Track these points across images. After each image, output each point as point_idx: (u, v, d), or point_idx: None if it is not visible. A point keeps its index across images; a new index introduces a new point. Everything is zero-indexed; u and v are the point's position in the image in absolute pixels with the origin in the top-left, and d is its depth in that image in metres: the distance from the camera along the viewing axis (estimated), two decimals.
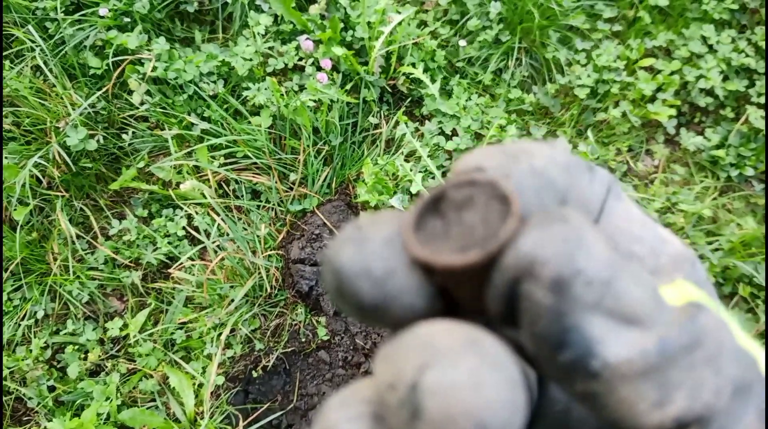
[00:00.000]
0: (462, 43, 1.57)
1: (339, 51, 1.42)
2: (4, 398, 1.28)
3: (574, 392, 0.16)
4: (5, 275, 1.35)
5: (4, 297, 1.34)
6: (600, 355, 0.15)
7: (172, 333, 1.32)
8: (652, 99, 1.53)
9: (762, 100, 1.51)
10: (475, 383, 0.14)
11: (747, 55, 1.55)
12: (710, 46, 1.58)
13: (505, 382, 0.15)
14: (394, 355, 0.15)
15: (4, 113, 1.40)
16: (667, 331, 0.15)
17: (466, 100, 1.51)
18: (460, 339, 0.15)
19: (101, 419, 1.22)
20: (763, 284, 1.31)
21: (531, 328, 0.16)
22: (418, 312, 0.17)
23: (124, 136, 1.45)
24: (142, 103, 1.43)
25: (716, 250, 1.37)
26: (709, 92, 1.56)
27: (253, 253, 1.35)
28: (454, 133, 1.49)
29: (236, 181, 1.43)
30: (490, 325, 0.18)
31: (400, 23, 1.48)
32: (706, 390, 0.15)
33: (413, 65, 1.50)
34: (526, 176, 0.18)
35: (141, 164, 1.44)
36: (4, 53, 1.47)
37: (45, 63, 1.44)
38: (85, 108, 1.41)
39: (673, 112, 1.50)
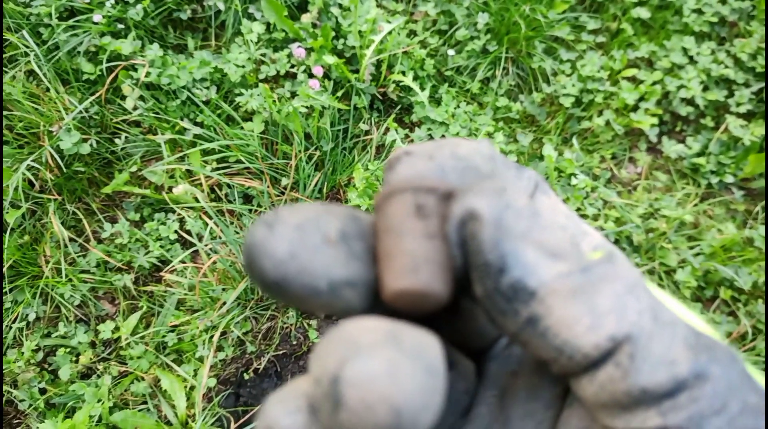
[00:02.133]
0: (450, 52, 1.61)
1: (330, 59, 1.45)
2: None
3: (518, 323, 0.17)
4: None
5: None
6: (535, 274, 0.17)
7: (164, 336, 1.33)
8: (635, 108, 1.57)
9: (741, 109, 1.56)
10: (391, 373, 0.15)
11: (726, 66, 1.60)
12: (691, 58, 1.63)
13: (422, 371, 0.15)
14: (322, 352, 0.16)
15: None
16: (588, 262, 0.18)
17: (455, 108, 1.55)
18: (380, 333, 0.16)
19: (93, 421, 1.23)
20: (744, 288, 1.35)
21: (478, 262, 0.18)
22: (321, 293, 0.18)
23: (116, 140, 1.47)
24: (135, 108, 1.45)
25: (698, 254, 1.41)
26: (690, 102, 1.60)
27: None
28: None
29: (228, 186, 1.44)
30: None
31: (390, 32, 1.51)
32: (630, 311, 0.17)
33: (403, 73, 1.53)
34: (448, 159, 0.21)
35: (134, 168, 1.45)
36: None
37: (39, 68, 1.46)
38: (79, 112, 1.42)
39: (655, 120, 1.54)
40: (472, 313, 0.23)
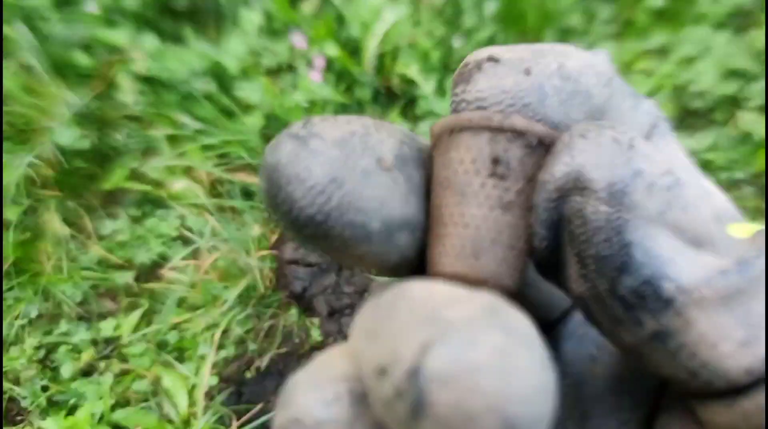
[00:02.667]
0: (457, 43, 1.57)
1: (332, 51, 1.41)
2: None
3: (639, 336, 0.13)
4: None
5: None
6: (674, 274, 0.12)
7: (165, 334, 1.32)
8: None
9: (753, 103, 1.51)
10: (502, 367, 0.11)
11: (741, 58, 1.55)
12: (706, 48, 1.58)
13: (537, 364, 0.11)
14: (382, 326, 0.12)
15: None
16: (745, 253, 0.13)
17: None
18: (476, 306, 0.12)
19: (95, 419, 1.23)
20: None
21: (584, 253, 0.13)
22: (372, 236, 0.14)
23: (116, 135, 1.45)
24: (133, 102, 1.42)
25: None
26: (702, 95, 1.56)
27: (247, 253, 1.36)
28: None
29: (229, 182, 1.42)
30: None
31: (394, 22, 1.47)
32: None
33: (407, 65, 1.50)
34: (552, 77, 0.14)
35: (133, 164, 1.43)
36: None
37: (34, 60, 1.43)
38: (77, 107, 1.40)
39: (668, 113, 1.50)
40: (538, 280, 0.17)
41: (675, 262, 0.12)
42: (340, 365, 0.14)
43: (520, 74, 0.14)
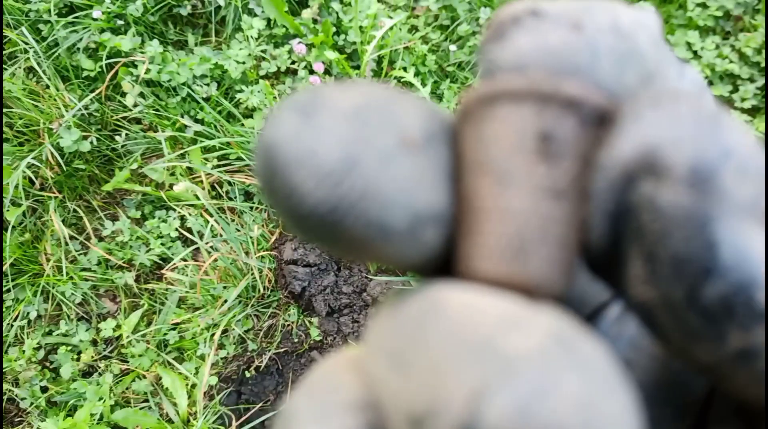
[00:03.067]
0: (452, 47, 1.60)
1: (331, 55, 1.44)
2: None
3: (721, 353, 0.10)
4: None
5: None
6: None
7: (165, 333, 1.32)
8: None
9: (746, 105, 1.54)
10: (586, 421, 0.08)
11: (731, 61, 1.59)
12: (695, 52, 1.62)
13: (626, 414, 0.09)
14: (413, 353, 0.09)
15: None
16: None
17: (456, 104, 1.54)
18: (541, 332, 0.09)
19: (94, 419, 1.23)
20: None
21: (656, 253, 0.10)
22: (394, 235, 0.11)
23: (117, 137, 1.46)
24: (135, 105, 1.44)
25: None
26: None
27: (246, 254, 1.36)
28: None
29: (229, 183, 1.44)
30: None
31: (391, 28, 1.50)
32: None
33: (404, 69, 1.52)
34: (606, 34, 0.12)
35: (134, 166, 1.45)
36: None
37: (38, 64, 1.45)
38: (79, 109, 1.41)
39: None
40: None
41: None
42: (349, 387, 0.11)
43: (568, 30, 0.12)
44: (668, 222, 0.10)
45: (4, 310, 1.35)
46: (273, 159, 0.11)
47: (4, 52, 1.48)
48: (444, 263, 0.12)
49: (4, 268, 1.34)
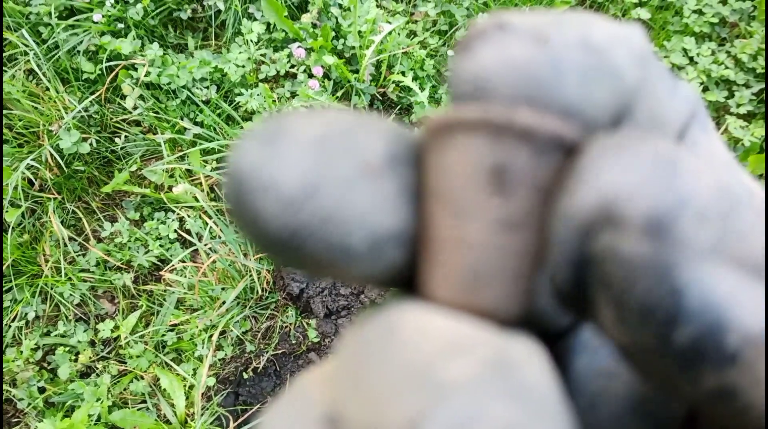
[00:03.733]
0: (451, 53, 1.61)
1: (330, 59, 1.45)
2: None
3: (698, 392, 0.10)
4: None
5: None
6: (737, 324, 0.10)
7: (163, 335, 1.33)
8: None
9: (742, 110, 1.56)
10: None
11: (726, 67, 1.60)
12: (691, 59, 1.63)
13: None
14: (366, 376, 0.10)
15: None
16: None
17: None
18: (480, 358, 0.10)
19: (92, 420, 1.23)
20: None
21: (621, 304, 0.10)
22: (355, 255, 0.11)
23: (116, 139, 1.47)
24: (135, 108, 1.45)
25: None
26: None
27: (245, 255, 1.37)
28: None
29: None
30: None
31: (390, 33, 1.51)
32: None
33: (403, 74, 1.53)
34: (573, 48, 0.11)
35: (133, 168, 1.45)
36: None
37: (38, 67, 1.46)
38: (79, 111, 1.42)
39: None
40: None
41: (739, 305, 0.10)
42: (320, 400, 0.11)
43: (532, 44, 0.11)
44: (631, 272, 0.10)
45: (3, 311, 1.35)
46: (238, 186, 0.11)
47: (4, 55, 1.49)
48: (411, 276, 0.13)
49: (3, 269, 1.34)
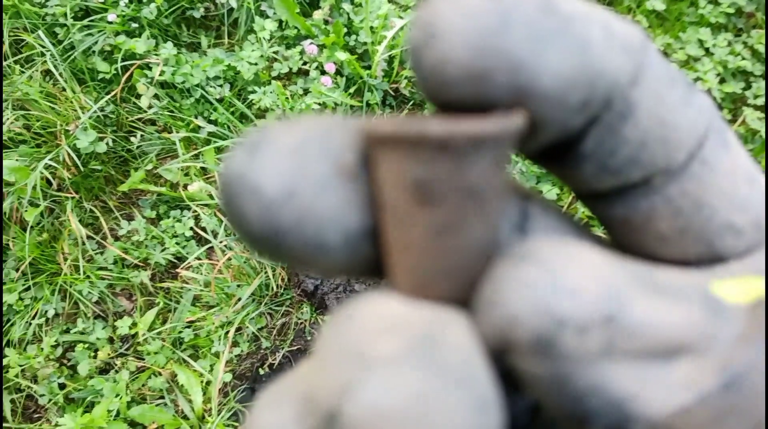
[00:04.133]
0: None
1: (342, 55, 1.45)
2: (15, 395, 1.31)
3: None
4: (16, 275, 1.37)
5: (16, 296, 1.37)
6: (640, 413, 0.11)
7: (180, 331, 1.34)
8: None
9: (759, 101, 1.54)
10: (421, 414, 0.10)
11: (743, 58, 1.58)
12: (707, 50, 1.61)
13: (469, 407, 0.10)
14: (322, 354, 0.11)
15: (15, 117, 1.43)
16: (732, 353, 0.11)
17: None
18: (407, 337, 0.11)
19: (111, 415, 1.25)
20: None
21: (548, 407, 0.12)
22: (330, 251, 0.12)
23: (132, 138, 1.48)
24: (150, 107, 1.46)
25: None
26: (707, 94, 1.58)
27: None
28: None
29: None
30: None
31: (402, 28, 1.51)
32: None
33: None
34: (527, 5, 0.11)
35: (149, 166, 1.47)
36: (15, 58, 1.50)
37: (55, 67, 1.48)
38: (95, 111, 1.44)
39: None
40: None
41: (640, 395, 0.11)
42: (303, 385, 0.13)
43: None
44: (536, 389, 0.11)
45: (23, 309, 1.37)
46: (227, 190, 0.12)
47: (21, 56, 1.51)
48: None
49: (22, 268, 1.36)
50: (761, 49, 1.58)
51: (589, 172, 0.13)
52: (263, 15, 1.58)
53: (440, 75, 0.11)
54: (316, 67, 1.50)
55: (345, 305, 0.12)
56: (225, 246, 1.39)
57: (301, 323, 1.37)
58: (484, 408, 0.10)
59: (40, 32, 1.48)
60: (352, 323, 0.11)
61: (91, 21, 1.49)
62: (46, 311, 1.37)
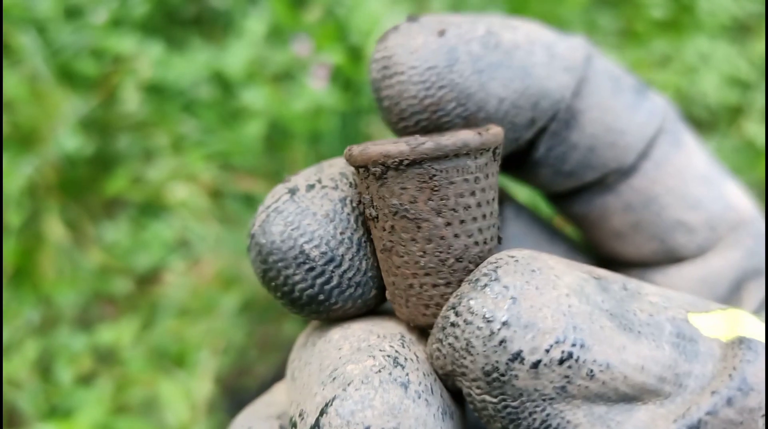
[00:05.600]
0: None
1: (335, 58, 1.42)
2: None
3: None
4: None
5: None
6: None
7: (165, 340, 1.32)
8: None
9: (756, 111, 1.52)
10: (393, 425, 0.11)
11: (741, 68, 1.56)
12: (705, 58, 1.59)
13: (431, 418, 0.11)
14: (300, 372, 0.13)
15: None
16: (698, 399, 0.11)
17: None
18: (379, 357, 0.12)
19: (93, 425, 1.23)
20: None
21: None
22: (364, 301, 0.14)
23: (117, 141, 1.45)
24: (135, 108, 1.43)
25: None
26: (704, 104, 1.57)
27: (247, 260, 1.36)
28: None
29: (231, 188, 1.43)
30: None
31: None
32: None
33: None
34: (470, 42, 0.12)
35: (134, 169, 1.44)
36: None
37: (39, 67, 1.44)
38: (79, 112, 1.41)
39: None
40: None
41: None
42: (279, 402, 0.14)
43: (433, 34, 0.13)
44: (485, 416, 0.11)
45: (3, 315, 1.35)
46: (270, 259, 0.13)
47: (4, 55, 1.48)
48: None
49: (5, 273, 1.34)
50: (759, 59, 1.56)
51: (545, 176, 0.14)
52: (253, 14, 1.54)
53: (397, 107, 0.13)
54: (308, 69, 1.47)
55: (312, 329, 0.14)
56: (212, 253, 1.36)
57: (289, 333, 1.35)
58: (443, 418, 0.12)
59: (24, 31, 1.44)
60: (327, 345, 0.12)
61: (77, 20, 1.46)
62: (29, 318, 1.34)
